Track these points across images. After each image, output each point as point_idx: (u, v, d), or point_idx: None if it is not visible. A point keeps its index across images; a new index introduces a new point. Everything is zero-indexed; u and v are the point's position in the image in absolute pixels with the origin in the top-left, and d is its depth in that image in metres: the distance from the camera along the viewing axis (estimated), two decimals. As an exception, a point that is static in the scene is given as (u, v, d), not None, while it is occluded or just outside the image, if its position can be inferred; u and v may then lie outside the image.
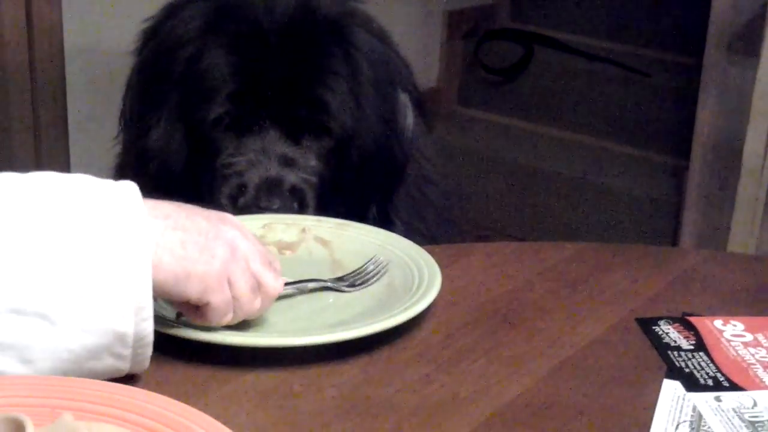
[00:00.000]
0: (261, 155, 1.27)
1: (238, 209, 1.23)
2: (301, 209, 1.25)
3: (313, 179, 1.28)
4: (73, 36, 2.21)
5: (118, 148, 1.44)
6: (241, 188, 1.25)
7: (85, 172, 2.53)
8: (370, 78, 1.31)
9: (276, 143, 1.27)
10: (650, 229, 2.78)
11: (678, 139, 2.79)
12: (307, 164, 1.28)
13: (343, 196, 1.31)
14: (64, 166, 2.25)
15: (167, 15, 1.34)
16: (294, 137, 1.28)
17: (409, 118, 1.37)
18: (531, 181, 2.98)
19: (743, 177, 2.39)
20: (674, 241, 2.65)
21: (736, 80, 2.41)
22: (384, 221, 1.31)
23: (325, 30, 1.30)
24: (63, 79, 2.21)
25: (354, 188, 1.33)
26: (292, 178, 1.26)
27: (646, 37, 3.14)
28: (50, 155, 2.22)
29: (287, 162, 1.27)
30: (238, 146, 1.28)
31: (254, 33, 1.28)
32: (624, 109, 3.04)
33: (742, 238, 2.41)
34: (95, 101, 2.25)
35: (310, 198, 1.27)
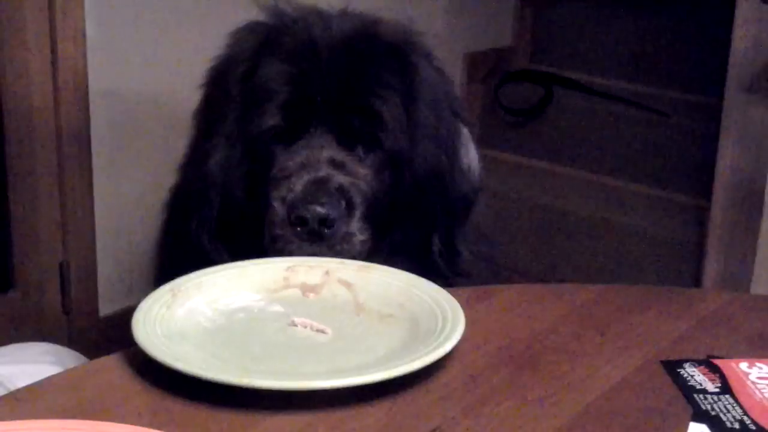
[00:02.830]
0: (311, 158, 1.28)
1: (287, 206, 1.24)
2: (349, 209, 1.26)
3: (362, 184, 1.29)
4: (98, 78, 2.23)
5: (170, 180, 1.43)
6: (290, 189, 1.26)
7: (109, 214, 2.52)
8: (427, 100, 1.32)
9: (326, 148, 1.29)
10: (672, 270, 2.77)
11: (699, 180, 2.78)
12: (356, 170, 1.29)
13: (400, 221, 1.31)
14: (88, 209, 2.26)
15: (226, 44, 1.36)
16: (346, 145, 1.30)
17: (471, 152, 1.36)
18: (552, 221, 2.98)
19: (765, 217, 2.38)
20: (696, 282, 2.64)
21: (756, 120, 2.41)
22: (448, 252, 1.31)
23: (383, 51, 1.31)
24: (87, 121, 2.23)
25: (410, 214, 1.32)
26: (339, 178, 1.27)
27: (666, 78, 3.14)
28: (74, 197, 2.23)
29: (336, 165, 1.28)
30: (291, 153, 1.29)
31: (308, 48, 1.30)
32: (644, 149, 3.04)
33: (765, 280, 2.39)
34: (119, 144, 2.27)
35: (359, 201, 1.27)
